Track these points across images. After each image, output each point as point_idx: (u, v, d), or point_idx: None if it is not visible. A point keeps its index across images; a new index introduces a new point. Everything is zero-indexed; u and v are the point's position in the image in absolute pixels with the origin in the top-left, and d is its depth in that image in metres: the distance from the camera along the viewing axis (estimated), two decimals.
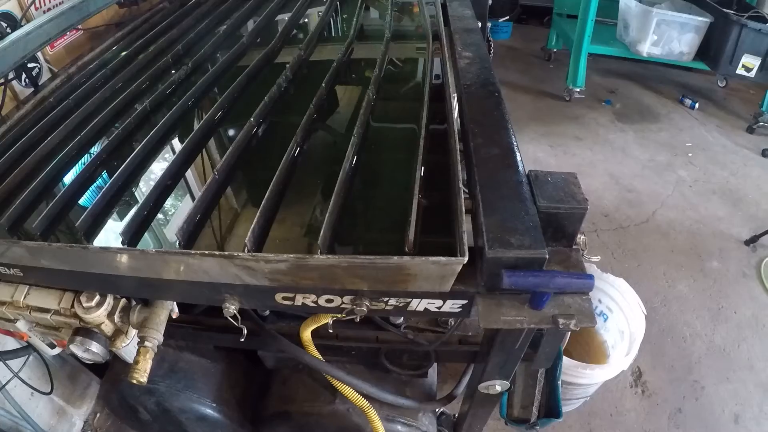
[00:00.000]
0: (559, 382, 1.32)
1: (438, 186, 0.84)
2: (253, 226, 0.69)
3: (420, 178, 0.77)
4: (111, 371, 1.42)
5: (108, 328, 0.92)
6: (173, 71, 1.36)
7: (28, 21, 1.61)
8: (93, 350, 0.89)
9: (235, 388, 1.47)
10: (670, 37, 3.53)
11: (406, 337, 1.15)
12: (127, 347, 0.97)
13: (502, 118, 0.90)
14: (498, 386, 1.09)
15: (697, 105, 3.91)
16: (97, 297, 0.89)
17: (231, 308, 0.75)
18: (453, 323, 1.18)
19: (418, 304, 0.72)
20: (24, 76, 1.64)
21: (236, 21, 1.63)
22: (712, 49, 3.45)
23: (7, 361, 1.38)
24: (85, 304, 0.89)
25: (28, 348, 1.37)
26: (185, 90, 1.22)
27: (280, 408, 1.29)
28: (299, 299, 0.74)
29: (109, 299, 0.90)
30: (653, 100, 4.11)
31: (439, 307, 0.72)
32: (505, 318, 0.66)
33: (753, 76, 3.32)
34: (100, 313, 0.88)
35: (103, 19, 1.88)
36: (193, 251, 0.64)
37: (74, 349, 0.91)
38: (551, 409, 1.29)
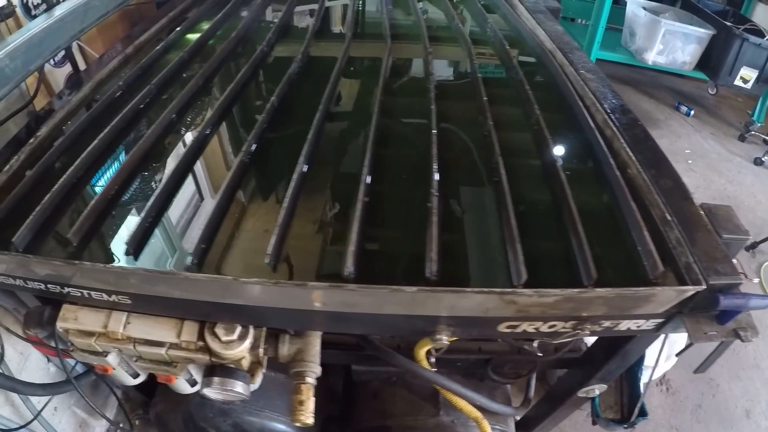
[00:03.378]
0: (642, 383, 1.38)
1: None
2: (518, 257, 0.66)
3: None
4: (165, 389, 1.29)
5: (247, 362, 0.82)
6: (276, 61, 1.26)
7: None
8: (237, 390, 0.79)
9: None
10: (674, 46, 3.65)
11: (519, 347, 1.13)
12: None
13: (658, 149, 0.93)
14: (596, 390, 1.15)
15: (692, 112, 4.10)
16: (239, 328, 0.79)
17: (444, 339, 0.69)
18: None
19: (624, 324, 0.74)
20: None
21: (320, 10, 1.51)
22: (713, 60, 3.60)
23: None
24: (224, 338, 0.78)
25: (89, 373, 1.21)
26: (308, 84, 1.12)
27: (377, 422, 1.24)
28: (522, 327, 0.72)
29: (251, 330, 0.80)
30: (651, 106, 4.27)
31: (639, 326, 0.75)
32: (705, 333, 0.73)
33: (750, 88, 3.51)
34: (243, 348, 0.78)
35: None
36: (468, 289, 0.58)
37: (209, 392, 0.79)
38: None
